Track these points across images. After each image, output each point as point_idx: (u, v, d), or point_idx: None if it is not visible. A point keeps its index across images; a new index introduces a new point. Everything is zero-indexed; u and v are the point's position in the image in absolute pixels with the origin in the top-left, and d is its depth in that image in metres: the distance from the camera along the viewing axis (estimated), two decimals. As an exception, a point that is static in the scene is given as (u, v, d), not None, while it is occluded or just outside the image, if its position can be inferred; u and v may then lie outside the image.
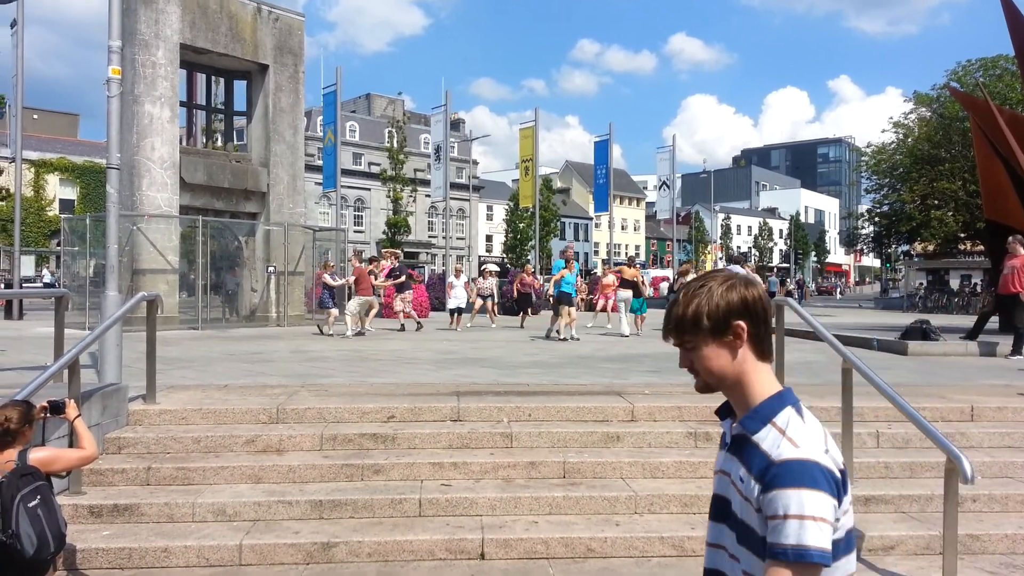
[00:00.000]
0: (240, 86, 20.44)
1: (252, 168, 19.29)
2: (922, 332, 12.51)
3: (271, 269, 18.78)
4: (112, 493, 5.10)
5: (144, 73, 16.73)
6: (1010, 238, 11.69)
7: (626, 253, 79.60)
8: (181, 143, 18.72)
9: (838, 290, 71.40)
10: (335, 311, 15.73)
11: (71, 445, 4.43)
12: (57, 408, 4.20)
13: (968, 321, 15.67)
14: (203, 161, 18.64)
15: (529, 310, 19.53)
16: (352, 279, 15.80)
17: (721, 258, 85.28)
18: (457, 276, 18.71)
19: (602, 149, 35.75)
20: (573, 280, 15.04)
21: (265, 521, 4.89)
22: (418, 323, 17.12)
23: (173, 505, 4.92)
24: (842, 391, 5.52)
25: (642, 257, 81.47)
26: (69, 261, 19.22)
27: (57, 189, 46.13)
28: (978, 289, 33.54)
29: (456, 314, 17.71)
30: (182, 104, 18.84)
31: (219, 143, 21.40)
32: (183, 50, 17.59)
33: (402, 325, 16.61)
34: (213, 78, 20.96)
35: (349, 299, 15.84)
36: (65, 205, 45.58)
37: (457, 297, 17.99)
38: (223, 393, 6.97)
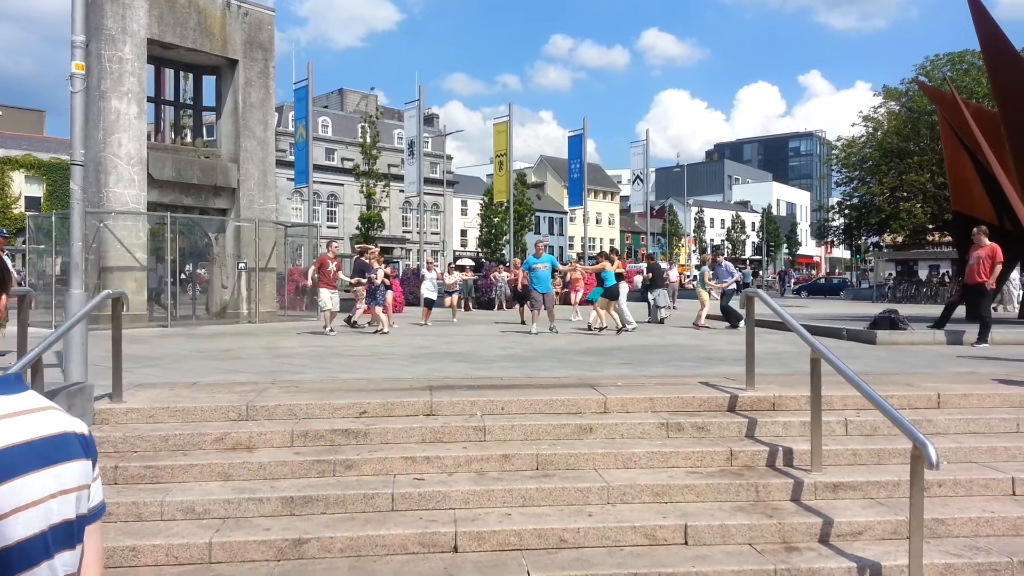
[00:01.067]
0: (209, 81, 20.19)
1: (222, 164, 19.07)
2: (890, 322, 12.70)
3: (242, 266, 18.59)
4: (78, 493, 5.01)
5: (111, 68, 16.45)
6: (975, 229, 11.89)
7: (600, 247, 79.90)
8: (149, 139, 18.45)
9: (791, 280, 65.37)
10: (378, 308, 14.89)
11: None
12: (19, 407, 4.13)
13: (936, 310, 15.92)
14: (171, 157, 18.39)
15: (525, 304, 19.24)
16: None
17: (695, 251, 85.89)
18: (429, 269, 18.76)
19: (576, 144, 35.83)
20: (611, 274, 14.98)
21: (235, 519, 4.84)
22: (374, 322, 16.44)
23: (141, 504, 4.85)
24: (811, 380, 5.58)
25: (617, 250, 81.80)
26: (35, 259, 18.91)
27: (23, 186, 45.28)
28: (946, 279, 34.09)
29: (428, 307, 17.64)
30: (150, 100, 18.56)
31: (188, 139, 21.13)
32: (151, 45, 17.33)
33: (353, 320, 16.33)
34: (182, 73, 20.68)
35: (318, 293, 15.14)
36: (31, 202, 44.78)
37: (429, 290, 17.92)
38: (192, 391, 6.89)
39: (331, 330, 14.36)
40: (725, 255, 24.87)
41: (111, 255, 16.26)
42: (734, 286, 16.25)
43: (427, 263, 19.76)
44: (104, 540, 4.56)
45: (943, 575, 4.40)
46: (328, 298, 14.54)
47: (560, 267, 16.04)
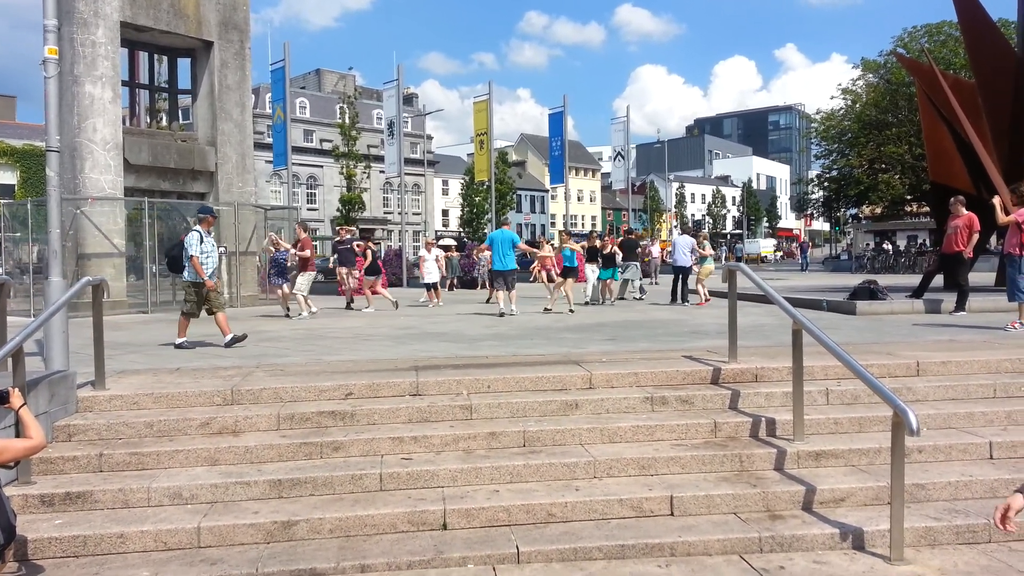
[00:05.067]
0: (184, 64, 19.89)
1: (199, 147, 18.85)
2: (870, 292, 12.82)
3: (222, 250, 18.43)
4: (63, 481, 5.00)
5: (83, 53, 16.17)
6: (952, 199, 11.98)
7: (582, 224, 79.96)
8: (124, 123, 18.19)
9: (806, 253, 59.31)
10: (286, 288, 14.71)
11: (18, 435, 4.32)
12: (0, 398, 4.10)
13: (914, 280, 16.08)
14: (148, 141, 18.15)
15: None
16: (302, 252, 14.56)
17: (676, 226, 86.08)
18: (428, 250, 18.34)
19: (556, 121, 35.66)
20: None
21: (223, 503, 4.85)
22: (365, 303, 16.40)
23: (127, 491, 4.84)
24: (793, 351, 5.64)
25: (599, 227, 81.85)
26: (11, 248, 18.67)
27: (-4, 174, 44.56)
28: (923, 249, 34.42)
29: (432, 289, 17.46)
30: (124, 83, 18.27)
31: (164, 123, 20.84)
32: (124, 28, 17.04)
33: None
34: (156, 56, 20.36)
35: (294, 277, 14.76)
36: (5, 190, 44.06)
37: (430, 272, 17.67)
38: (175, 376, 6.86)
39: (300, 314, 14.13)
40: (706, 231, 24.95)
41: (89, 242, 16.08)
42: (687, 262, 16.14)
43: (426, 243, 19.29)
44: (91, 528, 4.55)
45: (924, 538, 4.49)
46: (307, 283, 14.49)
47: (521, 245, 15.46)
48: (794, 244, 79.44)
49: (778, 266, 52.24)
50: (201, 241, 9.47)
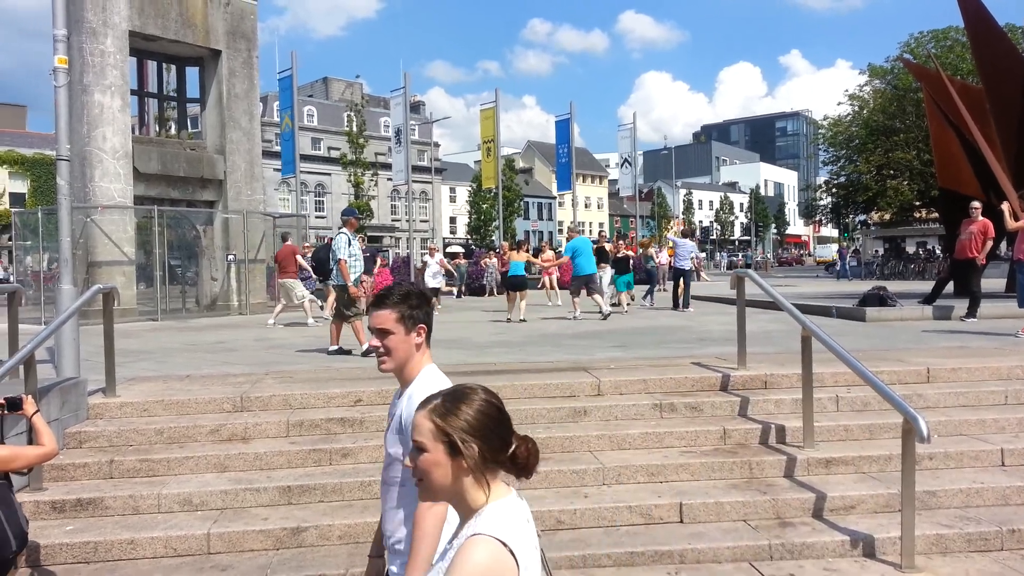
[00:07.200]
0: (192, 73, 20.00)
1: (207, 156, 18.94)
2: (879, 299, 12.77)
3: (231, 257, 18.52)
4: (75, 488, 5.02)
5: (93, 62, 16.28)
6: (971, 204, 11.87)
7: (591, 231, 79.90)
8: (133, 132, 18.28)
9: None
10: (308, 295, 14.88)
11: (30, 442, 4.35)
12: (14, 404, 4.12)
13: (923, 286, 16.01)
14: (157, 150, 18.25)
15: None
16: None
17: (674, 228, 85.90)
18: (432, 255, 18.52)
19: (563, 128, 35.67)
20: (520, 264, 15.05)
21: (233, 509, 4.86)
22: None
23: (138, 497, 4.86)
24: (802, 358, 5.63)
25: (607, 234, 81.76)
26: (22, 256, 18.77)
27: (6, 182, 44.88)
28: (932, 255, 34.23)
29: (434, 295, 17.57)
30: (133, 92, 18.38)
31: (173, 131, 20.93)
32: (132, 37, 17.15)
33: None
34: (164, 65, 20.47)
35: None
36: (15, 199, 44.37)
37: (433, 279, 17.78)
38: (185, 383, 6.89)
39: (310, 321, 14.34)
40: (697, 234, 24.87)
41: (99, 250, 16.16)
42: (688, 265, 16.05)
43: (430, 249, 19.53)
44: (102, 534, 4.55)
45: (935, 545, 4.47)
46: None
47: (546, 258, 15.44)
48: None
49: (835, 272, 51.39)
50: (349, 244, 9.20)
